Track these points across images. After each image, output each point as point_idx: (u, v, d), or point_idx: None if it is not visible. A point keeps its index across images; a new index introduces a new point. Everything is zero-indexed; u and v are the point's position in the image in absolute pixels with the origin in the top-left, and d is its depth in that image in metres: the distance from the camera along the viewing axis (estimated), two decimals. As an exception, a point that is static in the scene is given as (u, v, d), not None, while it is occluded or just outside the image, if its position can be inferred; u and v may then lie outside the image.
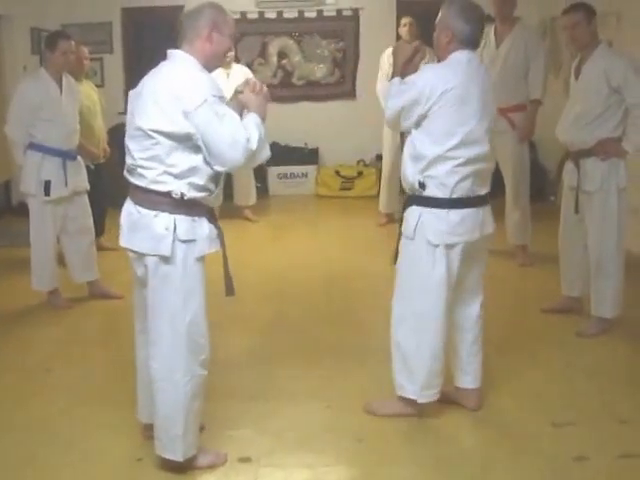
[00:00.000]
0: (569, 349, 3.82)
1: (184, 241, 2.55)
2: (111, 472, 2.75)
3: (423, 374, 2.99)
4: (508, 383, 3.40)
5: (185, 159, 2.51)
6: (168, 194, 2.53)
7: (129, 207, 2.64)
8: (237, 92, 2.74)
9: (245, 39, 7.99)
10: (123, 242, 2.66)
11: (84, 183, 4.57)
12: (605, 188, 3.82)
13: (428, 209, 2.89)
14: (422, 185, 2.89)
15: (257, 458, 2.82)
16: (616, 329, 3.96)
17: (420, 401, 3.03)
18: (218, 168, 2.53)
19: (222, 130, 2.46)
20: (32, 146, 4.35)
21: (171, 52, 2.62)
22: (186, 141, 2.49)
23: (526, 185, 5.33)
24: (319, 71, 8.25)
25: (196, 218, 2.58)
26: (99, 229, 5.18)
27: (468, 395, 3.16)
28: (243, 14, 7.95)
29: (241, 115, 2.60)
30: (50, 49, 4.37)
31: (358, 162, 8.14)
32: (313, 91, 8.25)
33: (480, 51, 5.22)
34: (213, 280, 2.70)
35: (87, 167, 4.71)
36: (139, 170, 2.56)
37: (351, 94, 8.19)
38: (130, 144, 2.59)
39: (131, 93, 2.64)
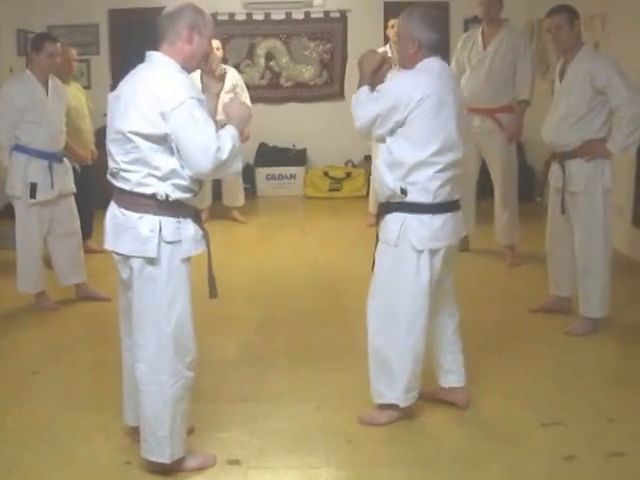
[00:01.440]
0: (558, 349, 3.83)
1: (169, 242, 2.53)
2: (99, 476, 2.73)
3: (405, 379, 2.98)
4: (497, 383, 3.40)
5: (167, 161, 2.49)
6: (153, 196, 2.51)
7: (113, 210, 2.61)
8: (225, 105, 2.73)
9: (233, 40, 7.99)
10: (108, 245, 2.64)
11: (70, 185, 4.54)
12: (590, 189, 3.83)
13: (412, 215, 2.88)
14: (404, 191, 2.87)
15: (246, 460, 2.81)
16: (604, 328, 3.97)
17: (402, 405, 3.02)
18: (187, 172, 2.50)
19: (195, 134, 2.44)
20: (18, 148, 4.31)
21: (150, 54, 2.59)
22: (165, 142, 2.47)
23: (514, 186, 5.35)
24: (307, 72, 8.25)
25: (181, 219, 2.56)
26: (87, 231, 5.15)
27: (455, 394, 3.16)
28: (231, 15, 7.95)
29: None
30: (36, 51, 4.34)
31: (346, 163, 8.15)
32: (301, 92, 8.25)
33: (468, 53, 5.27)
34: (201, 282, 2.69)
35: (73, 169, 4.68)
36: (122, 173, 2.54)
37: (339, 95, 8.18)
38: (112, 148, 2.56)
39: (110, 96, 2.62)
